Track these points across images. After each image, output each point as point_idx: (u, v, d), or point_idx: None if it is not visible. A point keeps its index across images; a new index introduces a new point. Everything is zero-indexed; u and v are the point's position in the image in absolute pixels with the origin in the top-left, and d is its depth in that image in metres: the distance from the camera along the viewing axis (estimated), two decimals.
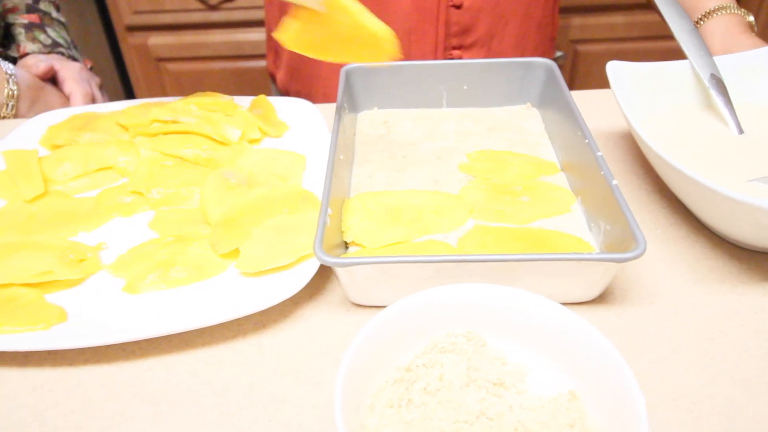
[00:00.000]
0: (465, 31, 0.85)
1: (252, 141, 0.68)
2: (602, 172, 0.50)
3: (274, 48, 0.99)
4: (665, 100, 0.63)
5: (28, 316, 0.45)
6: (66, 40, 1.00)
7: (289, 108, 0.73)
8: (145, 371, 0.44)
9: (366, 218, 0.52)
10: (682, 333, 0.45)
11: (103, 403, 0.42)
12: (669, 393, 0.41)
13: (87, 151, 0.65)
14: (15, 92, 0.83)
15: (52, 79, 0.92)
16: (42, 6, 0.99)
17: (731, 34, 0.72)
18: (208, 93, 0.73)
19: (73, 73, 0.92)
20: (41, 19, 0.98)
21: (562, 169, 0.60)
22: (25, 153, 0.65)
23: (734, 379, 0.42)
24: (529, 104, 0.70)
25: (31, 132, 0.71)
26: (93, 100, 0.93)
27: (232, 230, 0.53)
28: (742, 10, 0.74)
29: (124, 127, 0.69)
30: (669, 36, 0.67)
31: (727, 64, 0.63)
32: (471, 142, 0.64)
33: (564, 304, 0.37)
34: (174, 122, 0.67)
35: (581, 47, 1.64)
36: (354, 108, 0.69)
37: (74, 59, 0.98)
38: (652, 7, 0.77)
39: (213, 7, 1.44)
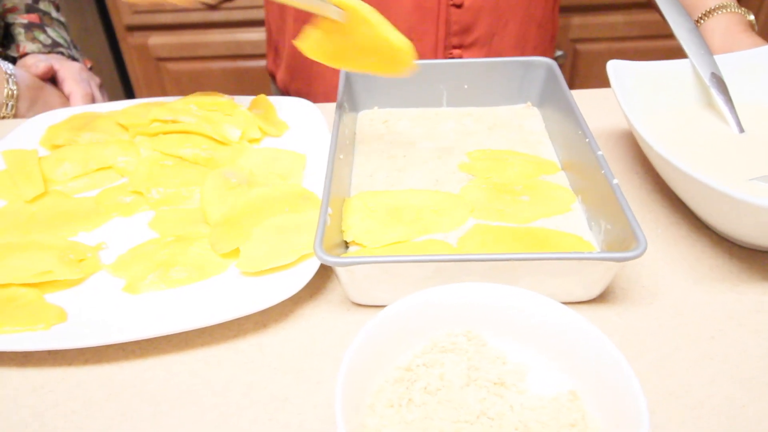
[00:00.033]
0: (465, 30, 0.85)
1: (252, 140, 0.68)
2: (603, 171, 0.49)
3: (274, 47, 0.99)
4: (666, 99, 0.63)
5: (27, 316, 0.45)
6: (66, 40, 0.99)
7: (289, 107, 0.73)
8: (145, 371, 0.44)
9: (366, 218, 0.52)
10: (683, 332, 0.45)
11: (103, 403, 0.42)
12: (670, 392, 0.41)
13: (87, 151, 0.65)
14: (15, 92, 0.83)
15: (51, 79, 0.92)
16: (42, 6, 0.99)
17: (732, 33, 0.71)
18: (208, 92, 0.73)
19: (72, 73, 0.92)
20: (41, 19, 0.97)
21: (563, 169, 0.60)
22: (24, 153, 0.65)
23: (735, 379, 0.42)
24: (529, 103, 0.70)
25: (30, 132, 0.71)
26: (93, 100, 0.93)
27: (232, 230, 0.52)
28: (743, 8, 0.74)
29: (124, 127, 0.69)
30: (669, 35, 0.67)
31: (727, 63, 0.63)
32: (471, 142, 0.64)
33: (564, 303, 0.37)
34: (174, 122, 0.67)
35: (581, 46, 1.63)
36: (354, 107, 0.69)
37: (74, 59, 0.98)
38: (652, 6, 0.77)
39: (213, 7, 1.44)
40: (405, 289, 0.41)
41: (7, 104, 0.82)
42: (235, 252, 0.51)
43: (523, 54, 0.91)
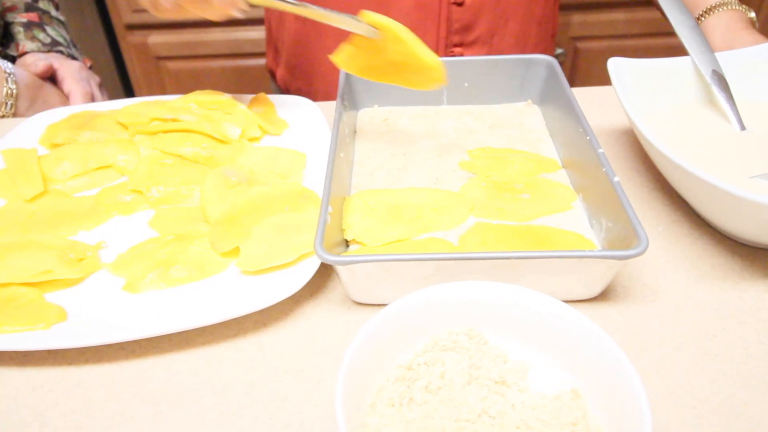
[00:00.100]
0: (466, 28, 0.85)
1: (252, 139, 0.68)
2: (604, 169, 0.49)
3: (273, 45, 0.98)
4: (666, 96, 0.63)
5: (27, 316, 0.45)
6: (65, 39, 0.99)
7: (289, 106, 0.73)
8: (146, 370, 0.44)
9: (366, 216, 0.52)
10: (684, 330, 0.45)
11: (104, 402, 0.42)
12: (671, 391, 0.41)
13: (86, 150, 0.65)
14: (14, 91, 0.82)
15: (51, 77, 0.92)
16: (41, 4, 0.99)
17: (733, 30, 0.71)
18: (208, 91, 0.72)
19: (72, 72, 0.92)
20: (40, 18, 0.97)
21: (563, 166, 0.59)
22: (24, 152, 0.65)
23: (737, 377, 0.42)
24: (529, 101, 0.70)
25: (30, 131, 0.70)
26: (92, 99, 0.93)
27: (232, 229, 0.52)
28: (744, 6, 0.74)
29: (124, 126, 0.69)
30: (670, 33, 0.67)
31: (728, 61, 0.63)
32: (472, 140, 0.64)
33: (566, 301, 0.37)
34: (174, 120, 0.67)
35: (582, 44, 1.63)
36: (354, 105, 0.69)
37: (73, 58, 0.98)
38: (652, 4, 0.77)
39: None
40: (405, 288, 0.41)
41: (6, 103, 0.82)
42: (235, 251, 0.51)
43: (523, 52, 0.90)
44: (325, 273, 0.51)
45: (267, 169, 0.62)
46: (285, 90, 0.99)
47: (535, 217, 0.53)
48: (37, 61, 0.90)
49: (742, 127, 0.59)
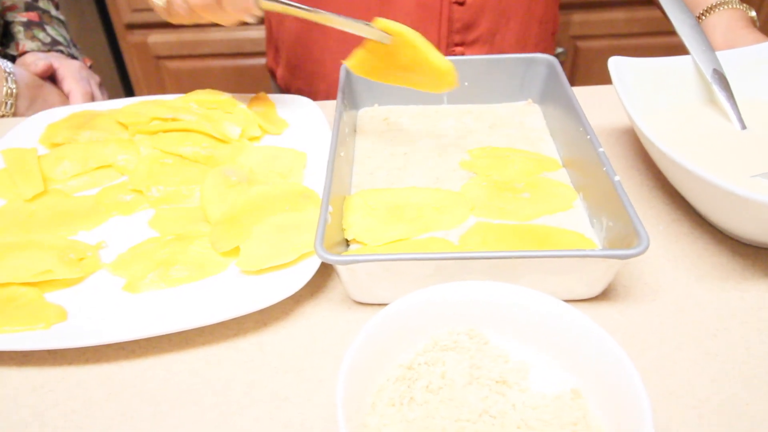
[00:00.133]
0: (467, 27, 0.85)
1: (252, 138, 0.68)
2: (604, 168, 0.49)
3: (274, 45, 0.98)
4: (667, 95, 0.63)
5: (27, 316, 0.45)
6: (65, 38, 0.99)
7: (289, 105, 0.73)
8: (146, 370, 0.44)
9: (367, 216, 0.52)
10: (685, 330, 0.45)
11: (104, 402, 0.42)
12: (672, 390, 0.41)
13: (86, 150, 0.64)
14: (14, 90, 0.82)
15: (51, 77, 0.92)
16: (41, 4, 0.99)
17: (733, 29, 0.71)
18: (208, 90, 0.72)
19: (72, 72, 0.92)
20: (40, 17, 0.97)
21: (564, 166, 0.59)
22: (24, 152, 0.65)
23: (738, 377, 0.42)
24: (530, 100, 0.70)
25: (30, 130, 0.70)
26: (92, 99, 0.93)
27: (232, 228, 0.52)
28: (744, 5, 0.74)
29: (124, 125, 0.69)
30: (670, 32, 0.67)
31: (729, 60, 0.63)
32: (472, 139, 0.64)
33: (566, 301, 0.37)
34: (174, 120, 0.67)
35: (582, 43, 1.63)
36: (354, 105, 0.69)
37: (73, 57, 0.98)
38: (653, 3, 0.77)
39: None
40: (406, 287, 0.41)
41: (6, 103, 0.82)
42: (236, 250, 0.51)
43: (524, 51, 0.90)
44: (325, 273, 0.51)
45: (267, 168, 0.62)
46: (285, 89, 0.99)
47: (536, 217, 0.53)
48: (37, 60, 0.90)
49: (743, 126, 0.59)
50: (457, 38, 0.86)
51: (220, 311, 0.45)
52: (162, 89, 1.76)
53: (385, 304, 0.38)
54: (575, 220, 0.52)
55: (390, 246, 0.50)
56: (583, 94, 0.67)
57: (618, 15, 1.58)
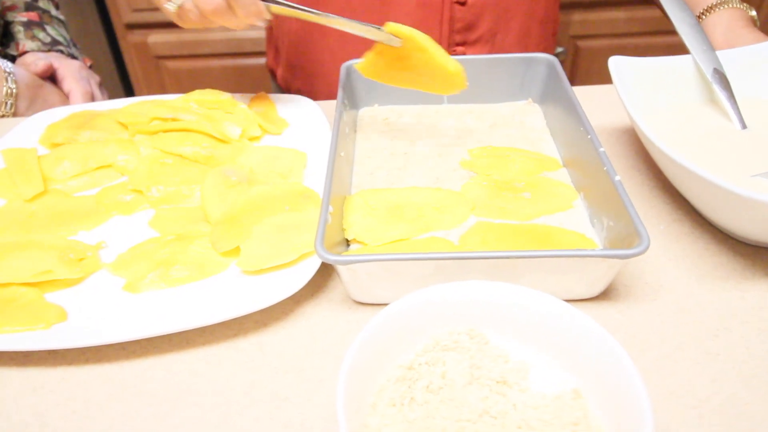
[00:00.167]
0: (469, 27, 0.85)
1: (252, 138, 0.68)
2: (605, 168, 0.49)
3: (274, 44, 0.98)
4: (667, 95, 0.63)
5: (27, 316, 0.45)
6: (65, 38, 0.99)
7: (289, 105, 0.73)
8: (146, 370, 0.44)
9: (367, 215, 0.52)
10: (686, 330, 0.45)
11: (104, 403, 0.42)
12: (673, 390, 0.41)
13: (86, 150, 0.64)
14: (14, 90, 0.82)
15: (51, 77, 0.92)
16: (41, 4, 0.99)
17: (734, 29, 0.71)
18: (208, 90, 0.72)
19: (72, 71, 0.92)
20: (40, 17, 0.97)
21: (564, 165, 0.59)
22: (24, 152, 0.64)
23: (738, 377, 0.42)
24: (530, 100, 0.70)
25: (30, 130, 0.70)
26: (92, 99, 0.93)
27: (232, 228, 0.52)
28: (745, 4, 0.74)
29: (124, 125, 0.69)
30: (670, 31, 0.67)
31: (729, 59, 0.63)
32: (472, 139, 0.64)
33: (567, 300, 0.37)
34: (174, 120, 0.67)
35: (582, 43, 1.63)
36: (354, 105, 0.69)
37: (73, 57, 0.98)
38: (653, 2, 0.77)
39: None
40: (406, 287, 0.41)
41: (6, 103, 0.82)
42: (236, 251, 0.51)
43: (526, 51, 0.90)
44: (325, 273, 0.51)
45: (267, 168, 0.62)
46: (285, 89, 0.99)
47: (536, 216, 0.53)
48: (36, 60, 0.90)
49: (744, 126, 0.59)
50: (458, 38, 0.86)
51: (221, 311, 0.45)
52: (162, 89, 1.76)
53: (385, 304, 0.37)
54: (576, 220, 0.52)
55: (390, 246, 0.49)
56: (583, 93, 0.67)
57: (618, 14, 1.58)
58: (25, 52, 0.94)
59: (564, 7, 1.45)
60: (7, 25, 0.97)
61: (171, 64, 1.71)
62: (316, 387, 0.42)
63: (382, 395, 0.35)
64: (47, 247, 0.52)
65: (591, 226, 0.52)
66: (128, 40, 1.67)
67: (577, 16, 1.58)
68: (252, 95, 0.75)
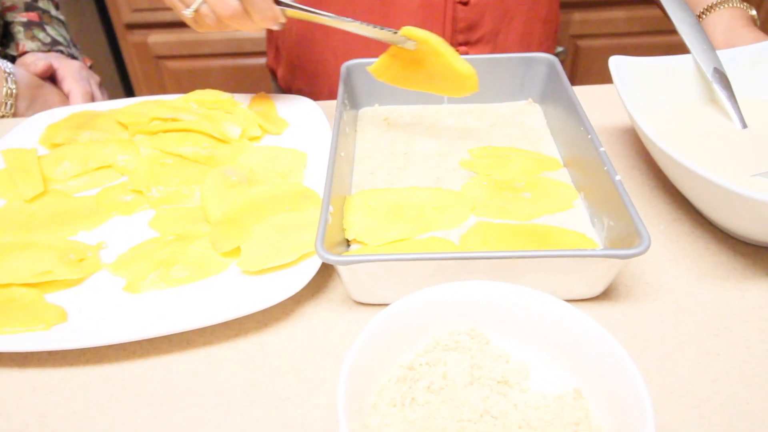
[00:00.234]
0: (471, 27, 0.85)
1: (252, 138, 0.68)
2: (605, 168, 0.49)
3: (274, 45, 0.98)
4: (668, 94, 0.62)
5: (28, 317, 0.45)
6: (65, 38, 0.99)
7: (289, 105, 0.73)
8: (146, 371, 0.44)
9: (368, 216, 0.52)
10: (687, 329, 0.45)
11: (105, 403, 0.42)
12: (673, 390, 0.41)
13: (86, 150, 0.64)
14: (14, 91, 0.82)
15: (51, 77, 0.92)
16: (41, 4, 0.99)
17: (734, 28, 0.71)
18: (208, 90, 0.72)
19: (72, 72, 0.92)
20: (40, 17, 0.97)
21: (565, 165, 0.59)
22: (24, 152, 0.64)
23: (739, 376, 0.42)
24: (530, 100, 0.70)
25: (30, 131, 0.70)
26: (92, 99, 0.93)
27: (232, 228, 0.52)
28: (745, 3, 0.74)
29: (124, 126, 0.69)
30: (670, 30, 0.67)
31: (730, 58, 0.63)
32: (472, 139, 0.64)
33: (567, 300, 0.37)
34: (174, 120, 0.67)
35: (582, 42, 1.63)
36: (355, 104, 0.69)
37: (73, 57, 0.98)
38: (653, 2, 0.77)
39: None
40: (407, 288, 0.41)
41: (6, 103, 0.82)
42: (236, 251, 0.51)
43: (528, 50, 0.90)
44: (326, 273, 0.51)
45: (267, 168, 0.62)
46: (286, 89, 0.99)
47: (537, 216, 0.53)
48: (36, 60, 0.90)
49: (744, 125, 0.59)
50: (460, 38, 0.86)
51: (221, 312, 0.45)
52: (162, 89, 1.76)
53: (385, 305, 0.38)
54: (576, 220, 0.52)
55: (391, 246, 0.49)
56: (583, 93, 0.67)
57: (618, 14, 1.58)
58: (25, 53, 0.94)
59: (564, 7, 1.45)
60: (7, 25, 0.96)
61: (171, 64, 1.71)
62: (317, 387, 0.42)
63: (382, 395, 0.35)
64: (47, 248, 0.52)
65: (591, 226, 0.52)
66: (128, 40, 1.67)
67: (578, 16, 1.58)
68: (252, 95, 0.75)
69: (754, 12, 0.74)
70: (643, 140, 0.54)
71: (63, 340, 0.43)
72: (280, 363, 0.44)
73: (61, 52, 0.96)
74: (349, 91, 0.67)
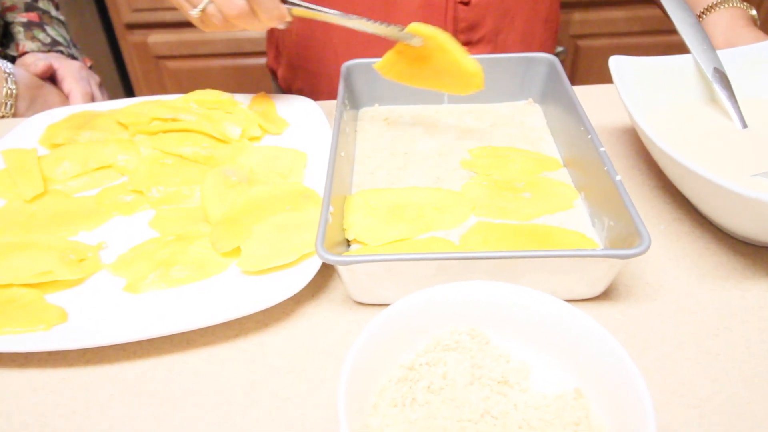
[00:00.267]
0: (472, 27, 0.85)
1: (252, 138, 0.68)
2: (605, 168, 0.49)
3: (275, 44, 0.98)
4: (668, 94, 0.62)
5: (28, 317, 0.45)
6: (65, 39, 0.99)
7: (289, 105, 0.73)
8: (147, 371, 0.44)
9: (368, 215, 0.52)
10: (687, 329, 0.45)
11: (105, 403, 0.42)
12: (674, 390, 0.41)
13: (86, 150, 0.64)
14: (14, 91, 0.82)
15: (51, 77, 0.92)
16: (41, 4, 0.99)
17: (734, 28, 0.71)
18: (208, 90, 0.72)
19: (72, 72, 0.92)
20: (40, 18, 0.97)
21: (565, 165, 0.59)
22: (24, 152, 0.64)
23: (739, 376, 0.42)
24: (530, 100, 0.70)
25: (30, 131, 0.70)
26: (92, 99, 0.93)
27: (233, 229, 0.52)
28: (745, 3, 0.74)
29: (124, 126, 0.69)
30: (670, 30, 0.67)
31: (730, 58, 0.63)
32: (472, 139, 0.64)
33: (567, 300, 0.37)
34: (174, 120, 0.67)
35: (582, 42, 1.63)
36: (355, 104, 0.69)
37: (74, 58, 0.98)
38: (653, 2, 0.77)
39: None
40: (407, 288, 0.41)
41: (6, 103, 0.82)
42: (236, 251, 0.51)
43: (529, 50, 0.90)
44: (326, 273, 0.51)
45: (267, 168, 0.62)
46: (287, 89, 0.99)
47: (537, 216, 0.53)
48: (36, 61, 0.90)
49: (744, 125, 0.59)
50: (461, 38, 0.86)
51: (221, 312, 0.45)
52: (162, 89, 1.76)
53: (386, 305, 0.38)
54: (576, 220, 0.52)
55: (391, 246, 0.49)
56: (583, 93, 0.67)
57: (618, 14, 1.58)
58: (25, 53, 0.93)
59: (564, 7, 1.45)
60: (7, 25, 0.96)
61: (171, 64, 1.71)
62: (317, 387, 0.42)
63: (383, 395, 0.35)
64: (47, 248, 0.52)
65: (591, 226, 0.52)
66: (128, 40, 1.67)
67: (578, 16, 1.58)
68: (252, 95, 0.75)
69: (754, 12, 0.74)
70: (643, 140, 0.54)
71: (63, 341, 0.43)
72: (281, 363, 0.44)
73: (61, 52, 0.96)
74: (350, 91, 0.67)
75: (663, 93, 0.62)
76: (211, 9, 0.62)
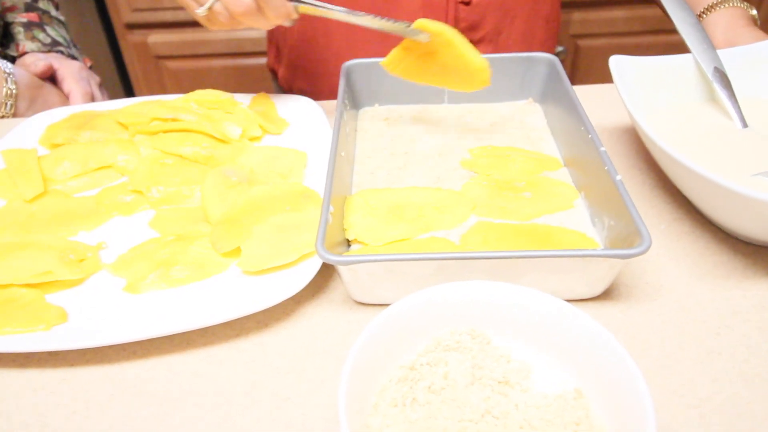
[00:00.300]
0: (473, 27, 0.85)
1: (252, 138, 0.68)
2: (606, 168, 0.49)
3: (275, 44, 0.98)
4: (668, 94, 0.62)
5: (28, 317, 0.45)
6: (65, 39, 0.99)
7: (289, 105, 0.73)
8: (147, 371, 0.44)
9: (368, 215, 0.52)
10: (687, 329, 0.45)
11: (105, 403, 0.42)
12: (674, 390, 0.41)
13: (86, 150, 0.64)
14: (14, 91, 0.82)
15: (51, 77, 0.92)
16: (41, 4, 0.99)
17: (734, 27, 0.71)
18: (209, 90, 0.72)
19: (72, 72, 0.92)
20: (40, 18, 0.97)
21: (565, 165, 0.59)
22: (24, 152, 0.64)
23: (740, 376, 0.42)
24: (531, 99, 0.70)
25: (30, 131, 0.70)
26: (92, 99, 0.93)
27: (233, 229, 0.52)
28: (745, 3, 0.74)
29: (124, 126, 0.69)
30: (670, 30, 0.67)
31: (730, 58, 0.63)
32: (473, 138, 0.64)
33: (568, 300, 0.37)
34: (174, 120, 0.67)
35: (582, 42, 1.63)
36: (355, 104, 0.69)
37: (74, 58, 0.98)
38: (653, 1, 0.77)
39: None
40: (407, 288, 0.41)
41: (6, 103, 0.82)
42: (236, 251, 0.51)
43: (530, 50, 0.90)
44: (326, 273, 0.51)
45: (268, 168, 0.62)
46: (287, 89, 0.99)
47: (537, 216, 0.53)
48: (36, 61, 0.90)
49: (744, 125, 0.59)
50: None
51: (222, 312, 0.45)
52: (162, 89, 1.76)
53: (386, 305, 0.37)
54: (576, 220, 0.52)
55: (391, 246, 0.49)
56: (583, 92, 0.67)
57: (618, 13, 1.58)
58: (25, 53, 0.93)
59: (564, 7, 1.45)
60: (7, 26, 0.96)
61: (171, 64, 1.71)
62: (318, 387, 0.42)
63: (383, 395, 0.35)
64: (47, 248, 0.52)
65: (592, 226, 0.52)
66: (128, 40, 1.67)
67: (578, 15, 1.58)
68: (252, 95, 0.75)
69: (754, 12, 0.74)
70: (644, 140, 0.54)
71: (63, 341, 0.43)
72: (281, 363, 0.44)
73: (61, 52, 0.96)
74: (350, 90, 0.67)
75: (663, 92, 0.62)
76: (217, 7, 0.62)
